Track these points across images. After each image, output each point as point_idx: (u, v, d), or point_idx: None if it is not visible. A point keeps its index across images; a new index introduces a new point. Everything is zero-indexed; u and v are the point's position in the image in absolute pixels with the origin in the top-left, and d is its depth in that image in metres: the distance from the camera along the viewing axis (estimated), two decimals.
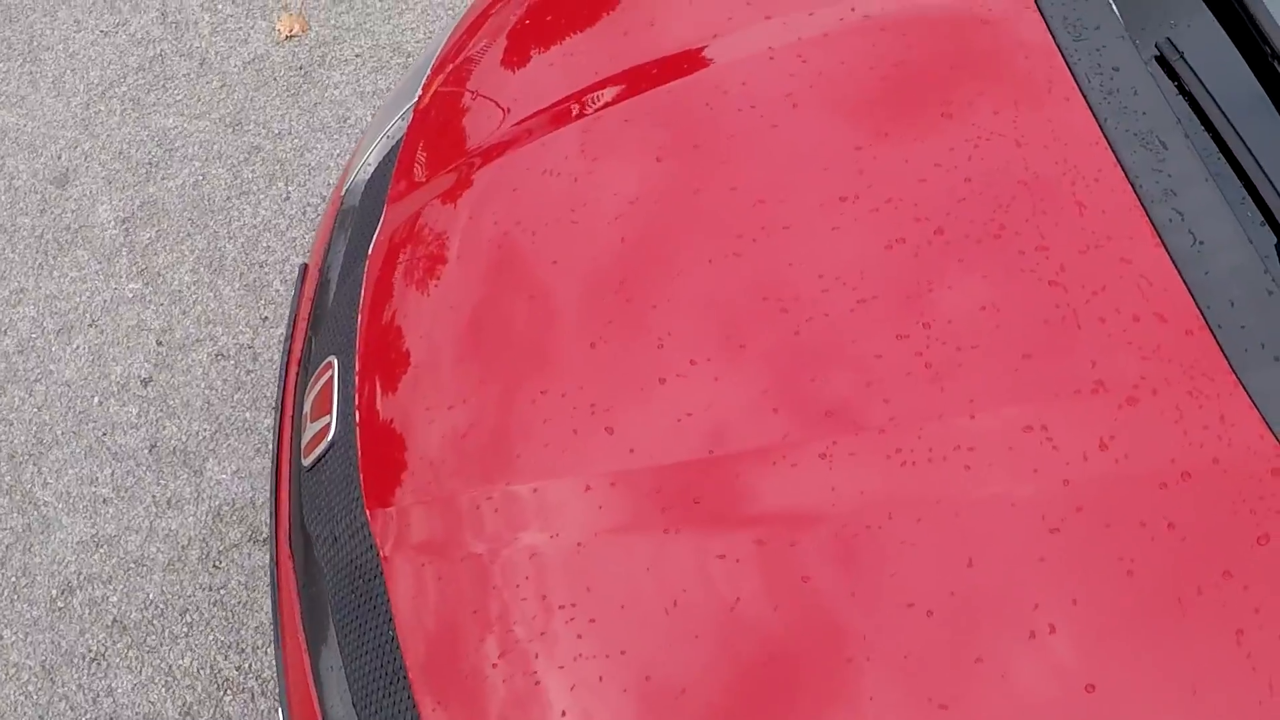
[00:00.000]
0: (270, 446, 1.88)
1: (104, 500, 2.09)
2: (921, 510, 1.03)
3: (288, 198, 2.43)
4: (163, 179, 2.49)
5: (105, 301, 2.32)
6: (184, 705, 1.92)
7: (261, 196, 2.44)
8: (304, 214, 2.39)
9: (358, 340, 1.34)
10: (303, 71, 2.64)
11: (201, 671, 1.95)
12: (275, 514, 1.41)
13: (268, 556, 1.42)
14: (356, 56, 2.64)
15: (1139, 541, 1.00)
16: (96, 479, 2.12)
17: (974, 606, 0.98)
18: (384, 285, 1.36)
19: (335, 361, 1.37)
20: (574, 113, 1.38)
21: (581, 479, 1.11)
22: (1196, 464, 1.03)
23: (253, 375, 2.21)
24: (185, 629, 1.98)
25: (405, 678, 1.12)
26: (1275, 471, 1.02)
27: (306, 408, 1.39)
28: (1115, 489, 1.02)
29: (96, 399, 2.20)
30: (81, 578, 2.01)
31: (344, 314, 1.42)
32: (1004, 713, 0.96)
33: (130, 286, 2.34)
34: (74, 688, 1.93)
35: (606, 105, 1.37)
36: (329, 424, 1.32)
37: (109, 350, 2.25)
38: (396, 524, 1.18)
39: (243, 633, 1.97)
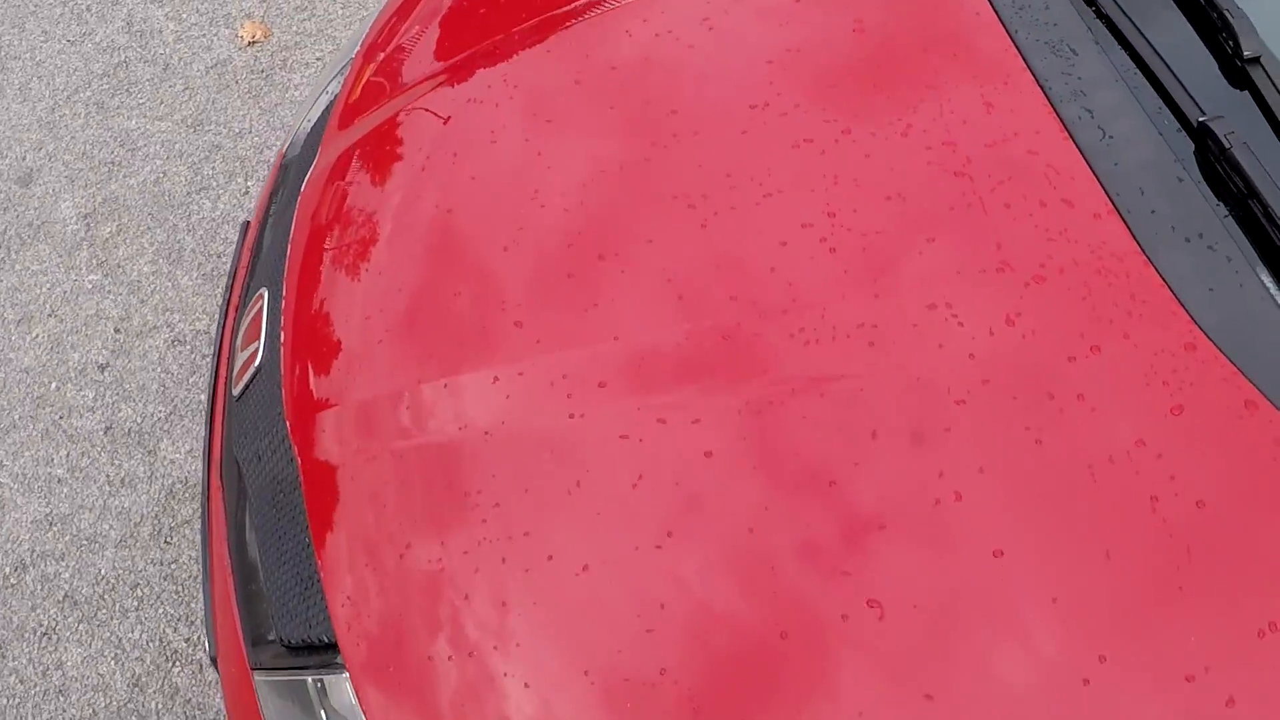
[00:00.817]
0: (206, 389, 1.89)
1: (59, 480, 2.09)
2: (824, 386, 1.03)
3: (246, 192, 2.46)
4: (124, 177, 2.51)
5: (65, 292, 2.33)
6: (133, 677, 1.90)
7: (221, 192, 2.47)
8: None
9: (286, 269, 1.35)
10: (264, 75, 2.67)
11: (151, 644, 1.93)
12: (209, 448, 1.41)
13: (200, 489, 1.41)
14: (318, 59, 2.68)
15: (1047, 412, 1.01)
16: (52, 460, 2.11)
17: (877, 476, 0.98)
18: (313, 217, 1.37)
19: (265, 292, 1.38)
20: (498, 50, 1.40)
21: (490, 371, 1.11)
22: (1106, 339, 1.04)
23: (208, 360, 2.22)
24: (135, 603, 1.97)
25: (318, 581, 1.11)
26: (1188, 346, 1.03)
27: (238, 340, 1.40)
28: (1022, 362, 1.03)
29: (54, 384, 2.21)
30: (35, 555, 2.01)
31: (276, 248, 1.43)
32: (908, 577, 0.96)
33: (90, 278, 2.35)
34: (24, 661, 1.91)
35: (529, 41, 1.39)
36: (256, 349, 1.33)
37: (68, 338, 2.26)
38: (314, 431, 1.18)
39: (193, 605, 1.96)
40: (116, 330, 2.29)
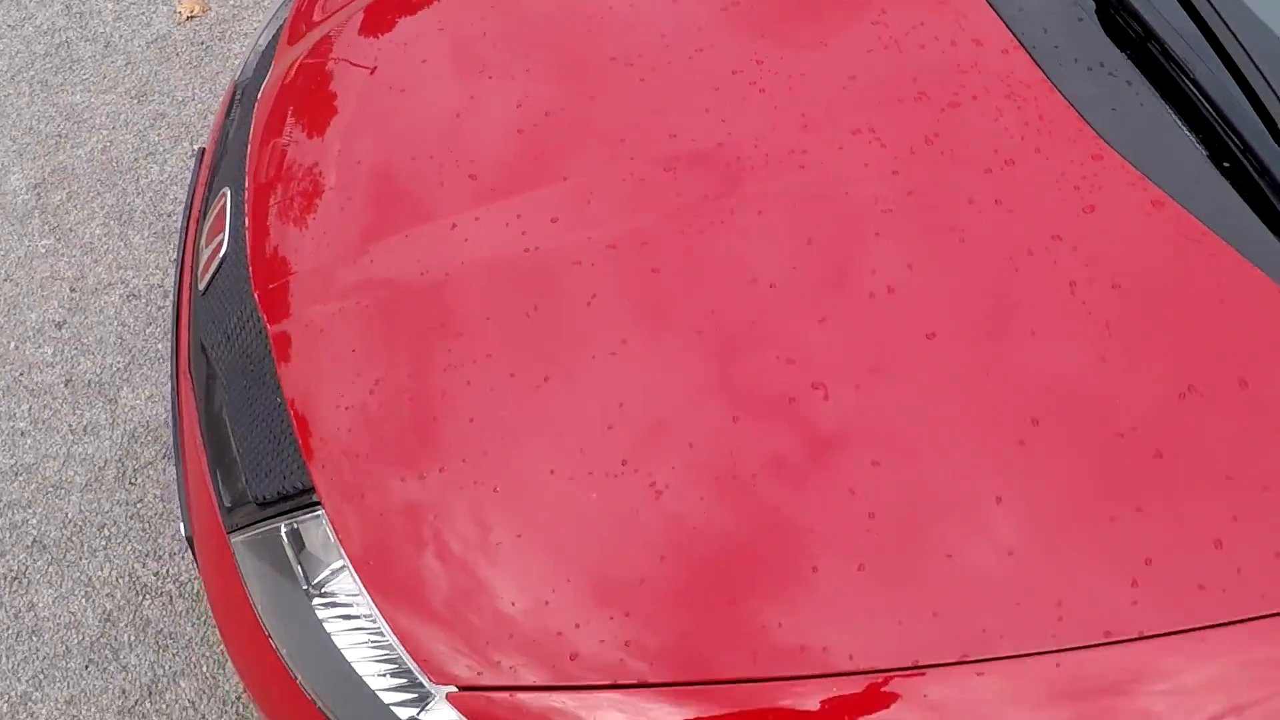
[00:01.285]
0: (170, 296, 1.91)
1: (22, 433, 2.12)
2: (762, 203, 1.10)
3: (193, 155, 2.50)
4: (72, 148, 2.55)
5: (19, 258, 2.36)
6: (104, 612, 1.93)
7: (168, 156, 2.51)
8: None
9: (247, 165, 1.41)
10: (204, 46, 2.72)
11: (120, 580, 1.96)
12: (175, 345, 1.46)
13: (168, 388, 1.45)
14: (255, 29, 2.73)
15: (969, 215, 1.09)
16: (15, 414, 2.14)
17: (812, 277, 1.06)
18: (270, 117, 1.43)
19: (228, 190, 1.43)
20: None
21: (448, 220, 1.18)
22: (1019, 153, 1.13)
23: (164, 310, 2.26)
24: (103, 543, 2.00)
25: (291, 433, 1.17)
26: (1095, 157, 1.11)
27: (203, 240, 1.45)
28: (942, 175, 1.11)
29: (13, 344, 2.24)
30: (2, 505, 2.03)
31: (235, 153, 1.48)
32: (848, 359, 1.03)
33: (43, 243, 2.38)
34: None
35: None
36: (221, 242, 1.38)
37: (24, 300, 2.29)
38: (283, 297, 1.24)
39: (160, 541, 2.00)
40: (72, 289, 2.32)
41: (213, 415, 1.37)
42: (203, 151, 1.76)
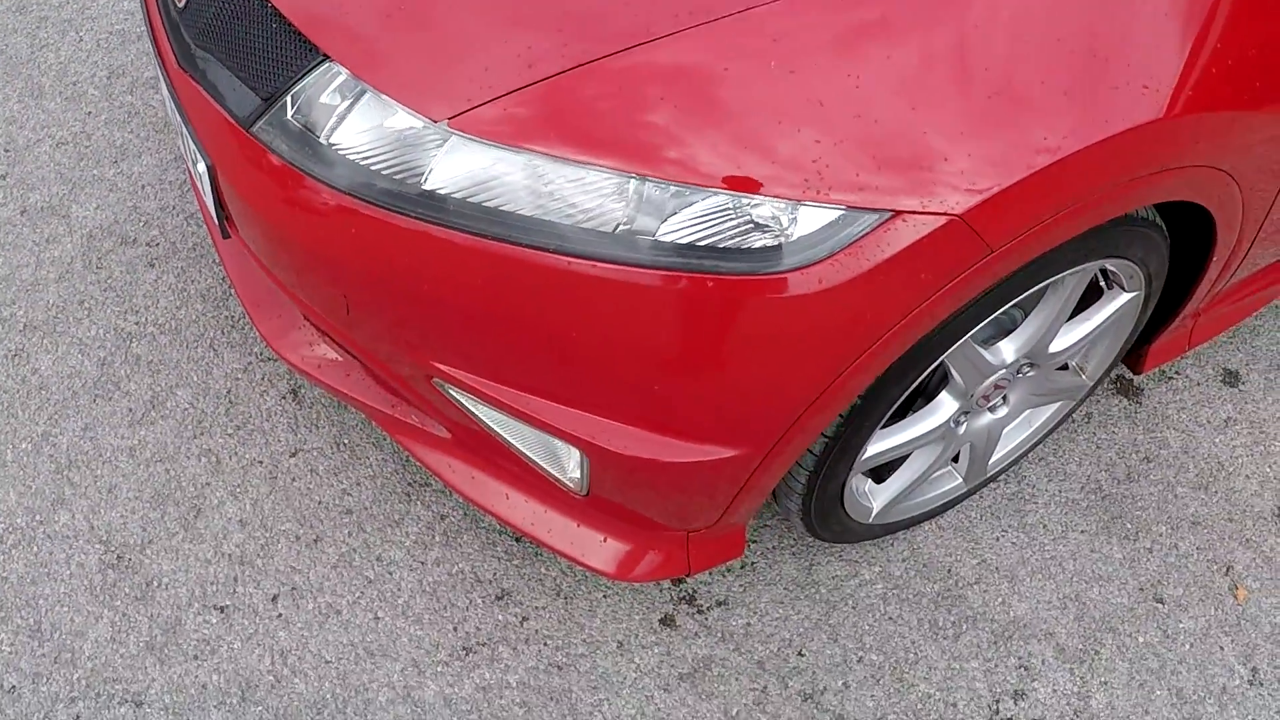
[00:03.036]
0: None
1: None
2: None
3: (81, 40, 2.95)
4: None
5: None
6: (99, 360, 2.39)
7: (60, 45, 2.95)
8: (99, 46, 2.92)
9: None
10: None
11: (107, 336, 2.42)
12: (160, 58, 1.90)
13: (163, 91, 1.80)
14: None
15: None
16: None
17: None
18: None
19: None
20: None
21: None
22: None
23: (90, 147, 2.71)
24: (85, 312, 2.45)
25: (286, 23, 1.64)
26: None
27: None
28: None
29: None
30: None
31: None
32: None
33: None
34: (2, 377, 2.37)
35: None
36: None
37: None
38: None
39: (134, 299, 2.46)
40: (6, 150, 2.75)
41: (207, 78, 1.81)
42: None
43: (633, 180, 1.48)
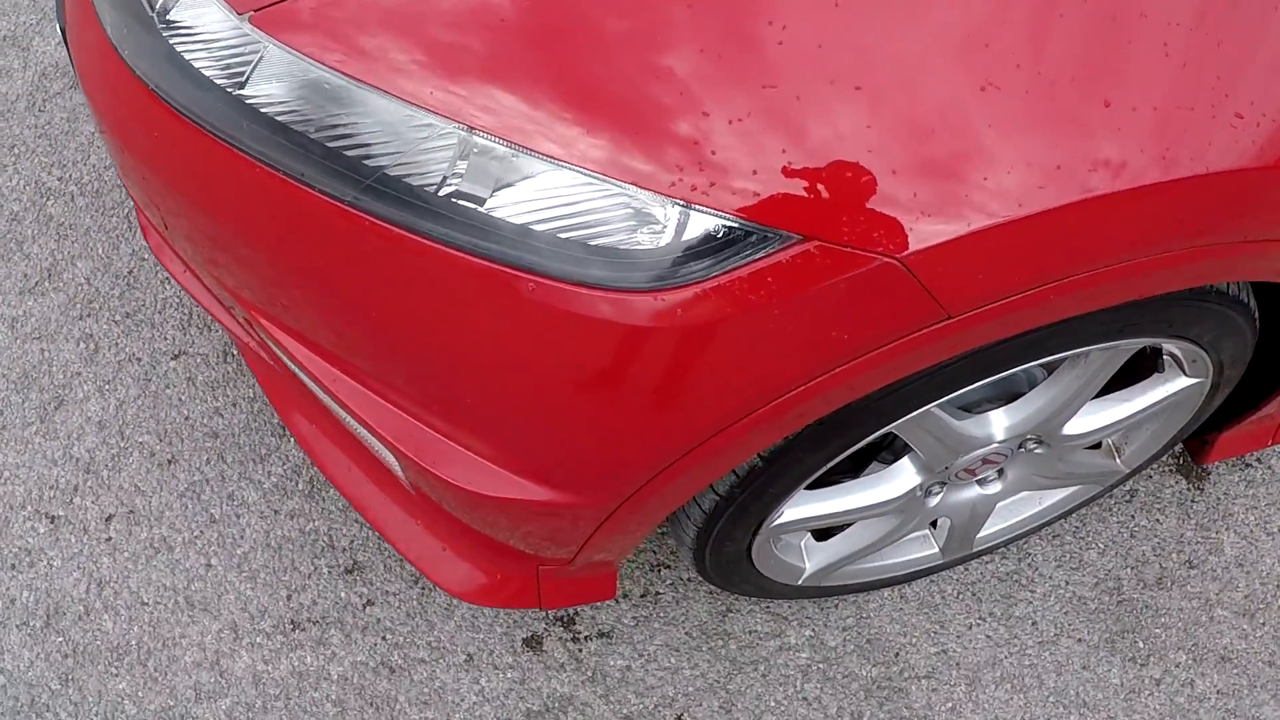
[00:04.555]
0: None
1: None
2: None
3: None
4: None
5: None
6: (11, 214, 2.14)
7: None
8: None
9: None
10: None
11: (26, 188, 2.16)
12: None
13: None
14: None
15: None
16: None
17: None
18: None
19: None
20: None
21: None
22: None
23: None
24: (13, 159, 2.20)
25: None
26: None
27: None
28: None
29: None
30: None
31: None
32: None
33: None
34: None
35: None
36: None
37: None
38: None
39: (64, 153, 2.19)
40: None
41: None
42: None
43: (459, 131, 1.09)
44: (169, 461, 1.92)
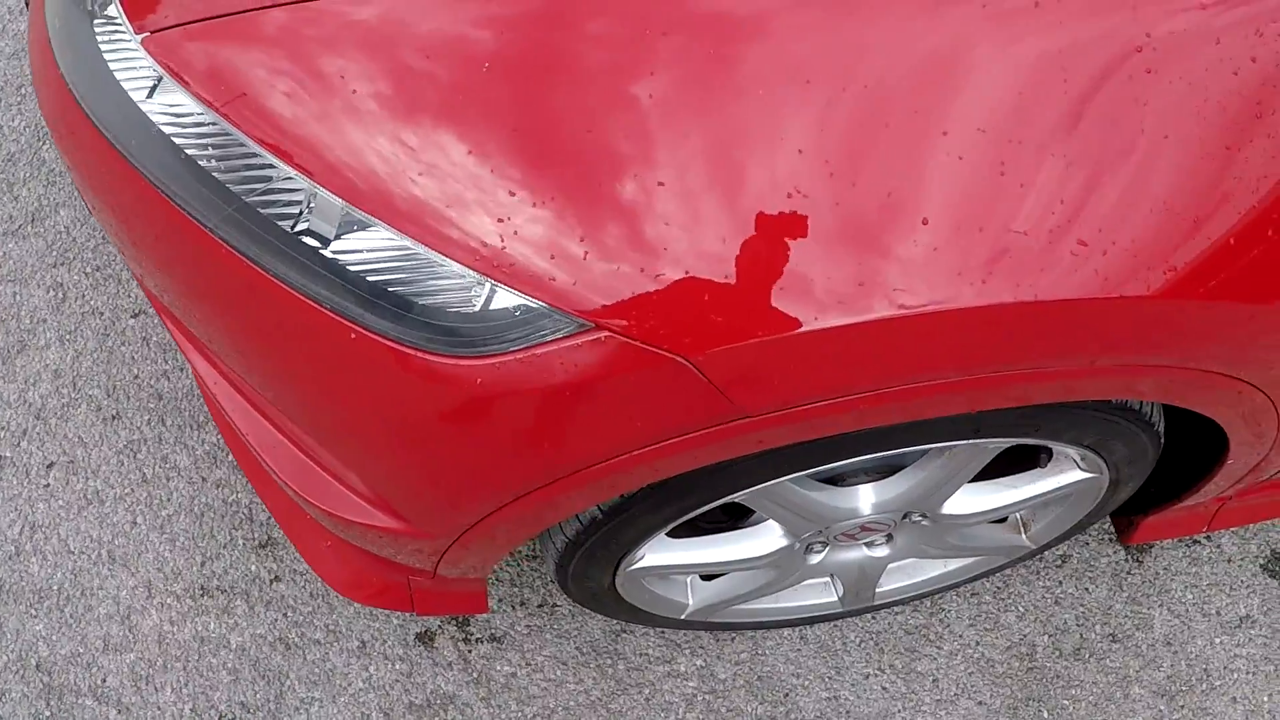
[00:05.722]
0: None
1: None
2: None
3: None
4: None
5: None
6: (7, 154, 2.22)
7: None
8: None
9: None
10: None
11: (27, 129, 2.24)
12: None
13: None
14: None
15: None
16: None
17: None
18: None
19: None
20: None
21: None
22: None
23: None
24: (20, 98, 2.27)
25: None
26: None
27: None
28: None
29: None
30: None
31: None
32: None
33: None
34: None
35: None
36: None
37: None
38: None
39: None
40: None
41: None
42: None
43: (303, 180, 1.11)
44: (113, 417, 1.99)
